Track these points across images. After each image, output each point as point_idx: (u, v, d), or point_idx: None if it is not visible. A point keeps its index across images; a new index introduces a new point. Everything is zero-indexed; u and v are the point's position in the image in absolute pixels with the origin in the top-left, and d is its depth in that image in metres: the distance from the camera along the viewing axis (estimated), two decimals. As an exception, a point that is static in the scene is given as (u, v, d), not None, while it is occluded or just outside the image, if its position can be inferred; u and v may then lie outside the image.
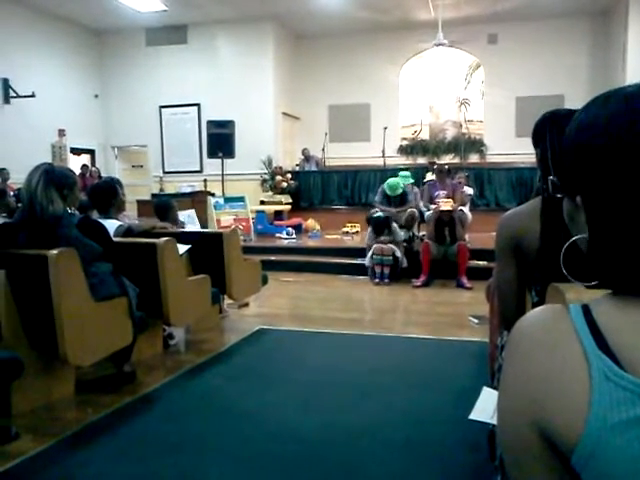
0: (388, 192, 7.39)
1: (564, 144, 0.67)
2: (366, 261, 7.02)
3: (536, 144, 1.72)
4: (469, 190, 8.48)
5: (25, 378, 2.87)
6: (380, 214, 7.11)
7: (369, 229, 7.19)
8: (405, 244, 7.16)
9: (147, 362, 3.87)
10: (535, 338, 0.63)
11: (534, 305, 1.76)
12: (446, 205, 6.79)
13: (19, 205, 3.44)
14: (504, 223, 1.78)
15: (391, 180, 7.51)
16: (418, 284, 6.68)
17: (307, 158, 12.05)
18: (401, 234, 7.09)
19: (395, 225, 7.05)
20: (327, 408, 3.16)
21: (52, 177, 3.05)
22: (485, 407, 1.99)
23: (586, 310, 0.62)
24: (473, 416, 1.98)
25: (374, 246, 6.90)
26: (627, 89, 0.62)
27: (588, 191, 0.63)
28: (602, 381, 0.57)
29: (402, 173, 7.94)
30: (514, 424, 0.63)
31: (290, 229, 9.70)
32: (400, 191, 7.38)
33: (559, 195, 0.70)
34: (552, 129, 1.61)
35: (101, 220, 3.60)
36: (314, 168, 11.93)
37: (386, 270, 6.84)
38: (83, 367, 3.33)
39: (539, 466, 0.62)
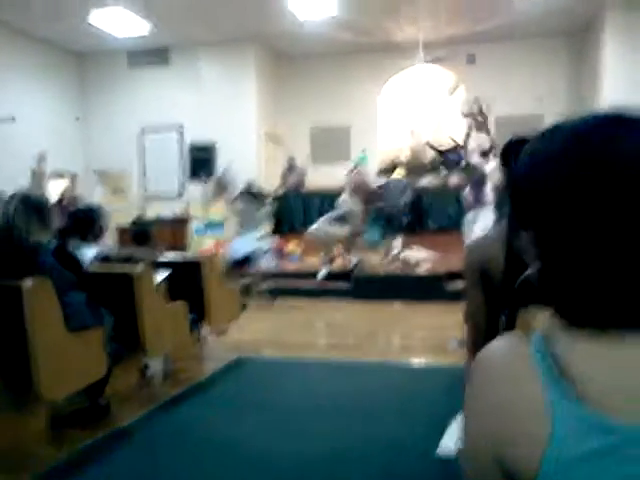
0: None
1: (513, 177, 0.67)
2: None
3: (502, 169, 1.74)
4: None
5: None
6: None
7: None
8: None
9: (122, 394, 3.79)
10: (493, 370, 0.63)
11: (503, 330, 1.77)
12: None
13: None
14: (471, 249, 1.80)
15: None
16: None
17: (291, 167, 11.86)
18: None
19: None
20: (306, 436, 3.12)
21: (28, 205, 3.02)
22: (451, 439, 1.97)
23: (544, 341, 0.61)
24: (440, 451, 1.96)
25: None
26: (573, 123, 0.61)
27: (535, 226, 0.62)
28: (558, 413, 0.56)
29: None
30: (475, 456, 0.63)
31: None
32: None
33: None
34: (517, 155, 1.63)
35: (79, 248, 3.56)
36: (296, 180, 11.70)
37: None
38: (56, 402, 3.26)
39: None
